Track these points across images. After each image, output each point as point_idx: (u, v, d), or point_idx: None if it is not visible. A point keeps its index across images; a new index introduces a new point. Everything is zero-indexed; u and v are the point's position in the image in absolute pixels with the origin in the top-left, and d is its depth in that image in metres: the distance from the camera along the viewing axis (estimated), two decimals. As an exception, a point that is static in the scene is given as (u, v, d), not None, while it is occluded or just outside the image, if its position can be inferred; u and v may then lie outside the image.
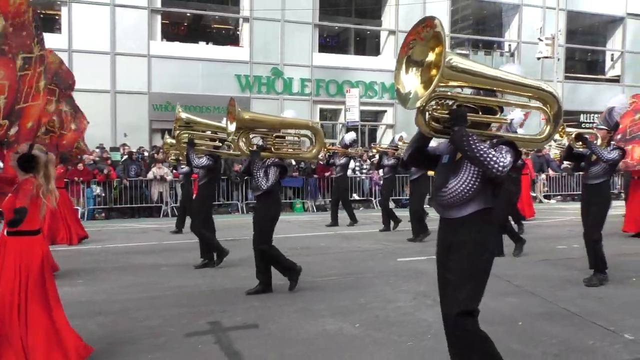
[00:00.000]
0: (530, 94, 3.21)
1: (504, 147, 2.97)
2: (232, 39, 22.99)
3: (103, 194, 13.91)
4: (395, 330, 4.63)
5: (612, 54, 26.93)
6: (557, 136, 7.15)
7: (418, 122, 3.02)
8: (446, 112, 3.01)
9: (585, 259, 6.28)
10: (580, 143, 6.28)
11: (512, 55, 24.96)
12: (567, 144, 6.64)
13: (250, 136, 5.95)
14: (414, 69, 2.92)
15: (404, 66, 2.94)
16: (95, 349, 3.91)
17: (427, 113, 3.01)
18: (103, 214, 13.93)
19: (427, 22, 2.80)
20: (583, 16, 25.96)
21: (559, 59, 21.72)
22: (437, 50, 2.78)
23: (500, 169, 2.82)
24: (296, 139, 6.18)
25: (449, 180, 3.08)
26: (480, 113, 3.11)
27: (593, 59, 28.25)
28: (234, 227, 11.00)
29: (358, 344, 4.33)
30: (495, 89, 3.14)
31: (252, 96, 20.88)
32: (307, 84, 21.70)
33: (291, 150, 6.27)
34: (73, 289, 6.14)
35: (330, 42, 23.71)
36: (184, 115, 7.22)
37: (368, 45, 25.17)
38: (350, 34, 24.48)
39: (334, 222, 11.77)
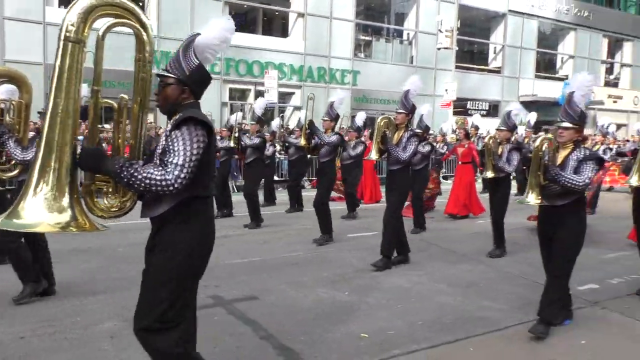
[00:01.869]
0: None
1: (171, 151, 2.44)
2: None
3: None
4: (381, 295, 5.24)
5: (495, 47, 29.56)
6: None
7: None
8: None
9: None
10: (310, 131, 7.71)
11: (410, 43, 26.50)
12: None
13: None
14: None
15: None
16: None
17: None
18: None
19: None
20: (471, 10, 28.18)
21: (456, 50, 23.50)
22: None
23: (165, 188, 2.38)
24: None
25: None
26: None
27: (478, 50, 30.78)
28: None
29: (356, 308, 4.86)
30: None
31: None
32: (217, 62, 21.43)
33: None
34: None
35: (238, 21, 23.46)
36: None
37: (275, 26, 25.32)
38: (258, 13, 24.47)
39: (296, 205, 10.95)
